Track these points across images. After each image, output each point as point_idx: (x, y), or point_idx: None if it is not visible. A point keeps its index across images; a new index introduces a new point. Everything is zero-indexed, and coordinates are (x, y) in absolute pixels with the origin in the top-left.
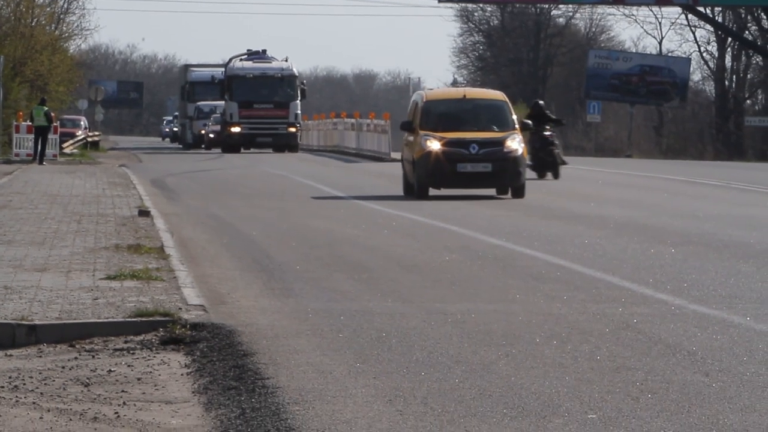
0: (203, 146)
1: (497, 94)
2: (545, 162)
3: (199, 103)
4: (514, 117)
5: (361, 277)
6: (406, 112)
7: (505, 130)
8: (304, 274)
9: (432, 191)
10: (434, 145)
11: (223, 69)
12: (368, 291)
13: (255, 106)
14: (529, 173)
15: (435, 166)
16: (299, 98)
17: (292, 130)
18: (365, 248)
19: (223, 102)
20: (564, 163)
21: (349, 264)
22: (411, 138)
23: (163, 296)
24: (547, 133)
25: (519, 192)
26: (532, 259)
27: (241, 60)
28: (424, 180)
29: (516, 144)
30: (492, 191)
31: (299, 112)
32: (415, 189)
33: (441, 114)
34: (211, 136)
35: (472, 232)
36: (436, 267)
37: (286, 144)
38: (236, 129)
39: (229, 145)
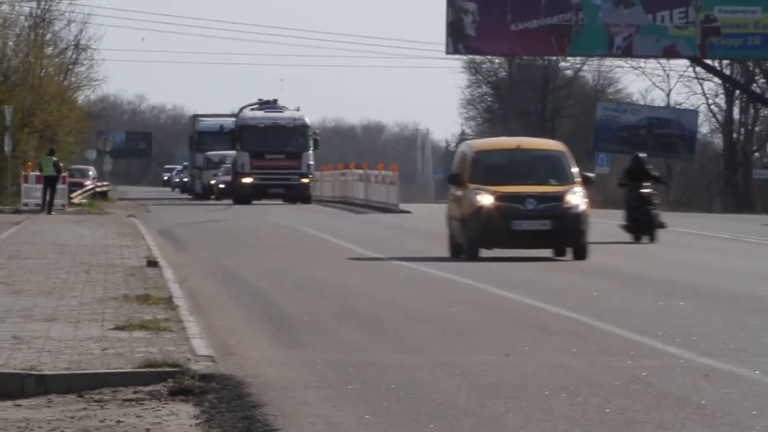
0: (213, 197)
1: (555, 144)
2: (640, 223)
3: (208, 153)
4: (575, 169)
5: (370, 329)
6: (414, 163)
7: (565, 184)
8: (313, 325)
9: (483, 252)
10: (486, 199)
11: (232, 118)
12: (377, 343)
13: (267, 157)
14: (624, 236)
15: (487, 224)
16: (312, 148)
17: (305, 180)
18: (374, 300)
19: (232, 152)
20: (662, 225)
21: (359, 315)
22: (459, 192)
23: (172, 347)
24: (645, 191)
25: (581, 253)
26: (540, 311)
27: (252, 109)
28: (475, 239)
29: (578, 199)
30: (541, 252)
31: (312, 162)
32: (464, 249)
33: (493, 166)
34: (221, 186)
35: (480, 283)
36: (445, 319)
37: (298, 195)
38: (248, 180)
39: (241, 195)
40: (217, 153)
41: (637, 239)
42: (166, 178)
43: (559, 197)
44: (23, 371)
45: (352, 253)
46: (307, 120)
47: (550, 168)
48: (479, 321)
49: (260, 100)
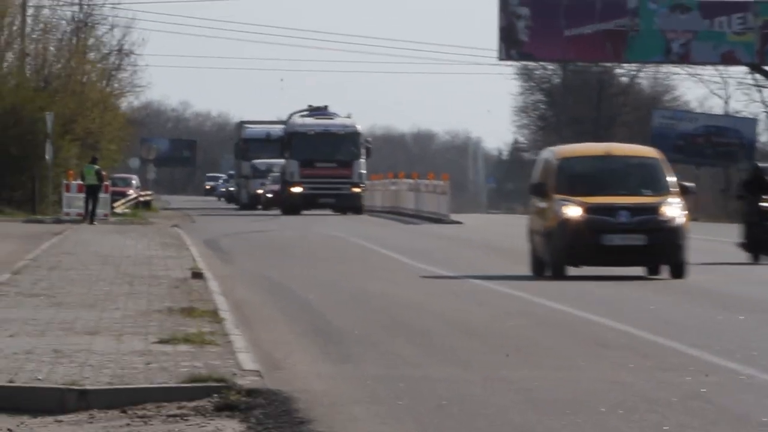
0: (260, 206)
1: (649, 151)
2: (760, 241)
3: (254, 161)
4: (672, 178)
5: (421, 342)
6: (465, 172)
7: (661, 194)
8: (362, 338)
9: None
10: (573, 211)
11: (279, 125)
12: (429, 356)
13: (317, 165)
14: (738, 255)
15: (574, 239)
16: (364, 157)
17: (356, 190)
18: (425, 312)
19: (280, 160)
20: None
21: (409, 328)
22: (542, 204)
23: (218, 361)
24: (766, 204)
25: (679, 271)
26: (597, 325)
27: (301, 116)
28: (561, 256)
29: (675, 211)
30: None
31: (364, 171)
32: (548, 267)
33: (580, 174)
34: (269, 195)
35: (534, 296)
36: (498, 332)
37: (350, 205)
38: (297, 189)
39: (290, 205)
40: (264, 161)
41: (755, 259)
42: (208, 187)
43: (655, 209)
44: (64, 386)
45: (402, 264)
46: (359, 127)
47: (643, 176)
48: (534, 335)
49: (310, 106)
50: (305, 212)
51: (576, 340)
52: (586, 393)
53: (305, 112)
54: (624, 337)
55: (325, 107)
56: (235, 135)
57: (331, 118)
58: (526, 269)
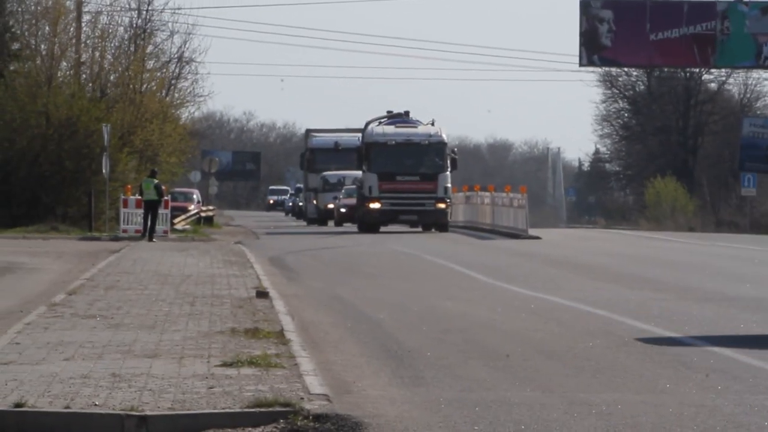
0: (332, 222)
1: None
2: None
3: (325, 173)
4: None
5: (497, 365)
6: (543, 184)
7: None
8: (436, 360)
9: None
10: None
11: (348, 134)
12: (505, 379)
13: (398, 179)
14: None
15: None
16: (449, 169)
17: (441, 206)
18: (502, 333)
19: (352, 171)
20: None
21: (485, 350)
22: None
23: (284, 384)
24: None
25: None
26: (683, 346)
27: (380, 124)
28: None
29: None
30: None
31: (449, 185)
32: None
33: None
34: (343, 210)
35: (616, 315)
36: (579, 354)
37: (434, 222)
38: (376, 205)
39: (367, 222)
40: (336, 173)
41: None
42: (272, 201)
43: None
44: (123, 412)
45: (477, 282)
46: (445, 136)
47: None
48: (616, 356)
49: (389, 112)
50: (383, 229)
51: (660, 362)
52: (671, 417)
53: (384, 119)
54: (711, 357)
55: (406, 113)
56: (302, 145)
57: (414, 126)
58: (606, 285)
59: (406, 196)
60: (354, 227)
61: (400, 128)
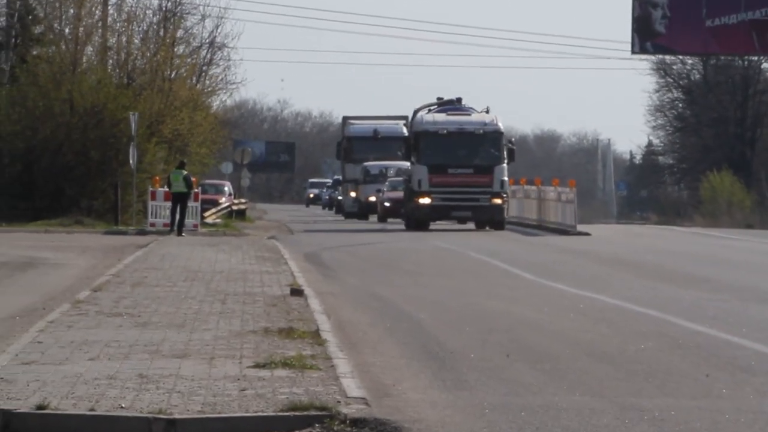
0: (374, 217)
1: None
2: None
3: (366, 163)
4: None
5: (544, 368)
6: (593, 178)
7: None
8: (479, 363)
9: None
10: None
11: (388, 121)
12: (553, 383)
13: (450, 171)
14: None
15: None
16: (506, 161)
17: (498, 201)
18: (549, 334)
19: (396, 162)
20: None
21: (531, 352)
22: None
23: (320, 387)
24: None
25: None
26: (740, 349)
27: (430, 111)
28: None
29: None
30: None
31: (506, 178)
32: None
33: None
34: (387, 204)
35: (669, 316)
36: (630, 356)
37: (489, 219)
38: (425, 200)
39: (417, 218)
40: (377, 163)
41: None
42: (311, 195)
43: None
44: (151, 415)
45: (523, 280)
46: (501, 125)
47: None
48: (669, 359)
49: (440, 99)
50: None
51: (716, 365)
52: (728, 424)
53: (434, 107)
54: None
55: (458, 100)
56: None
57: (468, 114)
58: (659, 284)
59: (459, 191)
60: (399, 223)
61: (452, 116)
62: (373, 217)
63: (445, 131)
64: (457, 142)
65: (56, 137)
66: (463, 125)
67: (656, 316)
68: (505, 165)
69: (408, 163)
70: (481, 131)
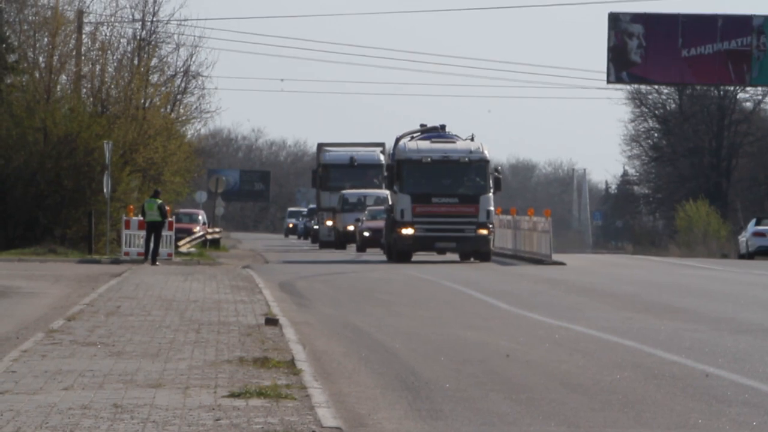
0: (353, 246)
1: None
2: None
3: (345, 191)
4: None
5: (519, 398)
6: (568, 207)
7: None
8: (454, 393)
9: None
10: None
11: (365, 148)
12: (528, 413)
13: (434, 201)
14: None
15: None
16: (492, 190)
17: (483, 232)
18: (525, 364)
19: (374, 191)
20: None
21: (506, 382)
22: None
23: (295, 417)
24: None
25: None
26: (716, 379)
27: (413, 139)
28: None
29: None
30: None
31: (492, 208)
32: None
33: None
34: (366, 234)
35: (645, 346)
36: (606, 386)
37: (474, 250)
38: (408, 231)
39: (399, 251)
40: (356, 192)
41: None
42: (291, 225)
43: None
44: None
45: (499, 310)
46: (487, 153)
47: None
48: (645, 389)
49: (423, 125)
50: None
51: (692, 395)
52: None
53: (417, 134)
54: (747, 392)
55: (442, 127)
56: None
57: (453, 142)
58: (635, 315)
59: (444, 221)
60: (379, 253)
61: (436, 143)
62: (352, 247)
63: (429, 159)
64: (442, 170)
65: (30, 166)
66: (447, 153)
67: (632, 347)
68: (491, 194)
69: (387, 192)
70: (467, 159)
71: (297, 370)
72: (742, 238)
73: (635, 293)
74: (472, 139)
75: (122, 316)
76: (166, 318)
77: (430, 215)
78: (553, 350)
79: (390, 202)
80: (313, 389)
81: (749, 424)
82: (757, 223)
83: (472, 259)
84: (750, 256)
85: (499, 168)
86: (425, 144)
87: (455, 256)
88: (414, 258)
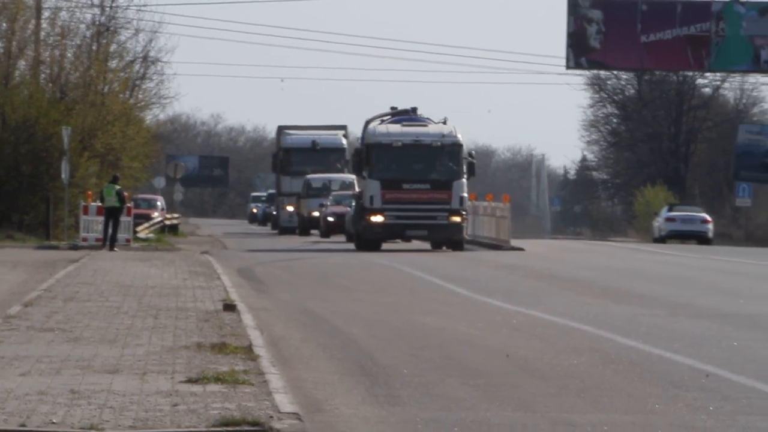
0: (317, 231)
1: None
2: None
3: (309, 176)
4: None
5: (477, 383)
6: (527, 193)
7: None
8: (412, 378)
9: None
10: None
11: (327, 131)
12: (485, 399)
13: (405, 187)
14: None
15: None
16: (466, 176)
17: (456, 219)
18: (482, 349)
19: (338, 175)
20: None
21: (464, 367)
22: None
23: (252, 402)
24: None
25: None
26: (673, 364)
27: (383, 122)
28: None
29: None
30: None
31: (465, 194)
32: None
33: None
34: (330, 219)
35: (603, 331)
36: (563, 371)
37: (447, 238)
38: (378, 218)
39: (368, 239)
40: (321, 176)
41: None
42: (255, 210)
43: None
44: (82, 430)
45: (457, 296)
46: (460, 137)
47: None
48: (602, 374)
49: (393, 108)
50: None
51: (649, 380)
52: None
53: (387, 117)
54: (703, 376)
55: (414, 110)
56: (275, 144)
57: (425, 125)
58: (592, 300)
59: (415, 208)
60: (342, 240)
61: (407, 127)
62: (315, 233)
63: (399, 143)
64: (413, 155)
65: None
66: (419, 137)
67: (589, 331)
68: (464, 180)
69: (353, 176)
70: (439, 143)
71: (254, 355)
72: (656, 223)
73: (593, 278)
74: (444, 123)
75: (80, 301)
76: (123, 304)
77: (400, 202)
78: (511, 335)
79: (357, 188)
80: (270, 375)
81: (706, 409)
82: (669, 210)
83: (444, 248)
84: (662, 240)
85: (473, 153)
86: (396, 128)
87: (426, 245)
88: (383, 246)
